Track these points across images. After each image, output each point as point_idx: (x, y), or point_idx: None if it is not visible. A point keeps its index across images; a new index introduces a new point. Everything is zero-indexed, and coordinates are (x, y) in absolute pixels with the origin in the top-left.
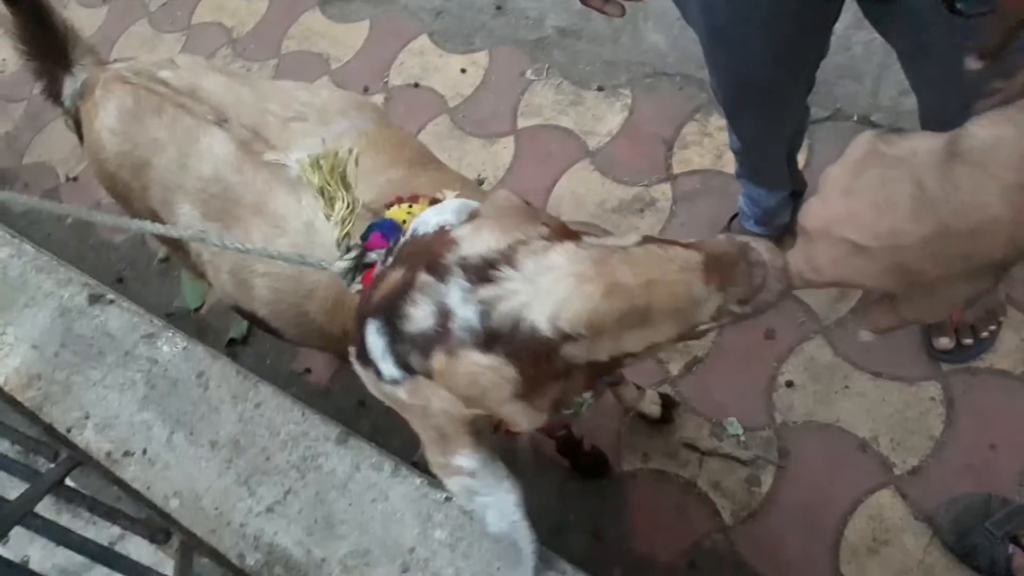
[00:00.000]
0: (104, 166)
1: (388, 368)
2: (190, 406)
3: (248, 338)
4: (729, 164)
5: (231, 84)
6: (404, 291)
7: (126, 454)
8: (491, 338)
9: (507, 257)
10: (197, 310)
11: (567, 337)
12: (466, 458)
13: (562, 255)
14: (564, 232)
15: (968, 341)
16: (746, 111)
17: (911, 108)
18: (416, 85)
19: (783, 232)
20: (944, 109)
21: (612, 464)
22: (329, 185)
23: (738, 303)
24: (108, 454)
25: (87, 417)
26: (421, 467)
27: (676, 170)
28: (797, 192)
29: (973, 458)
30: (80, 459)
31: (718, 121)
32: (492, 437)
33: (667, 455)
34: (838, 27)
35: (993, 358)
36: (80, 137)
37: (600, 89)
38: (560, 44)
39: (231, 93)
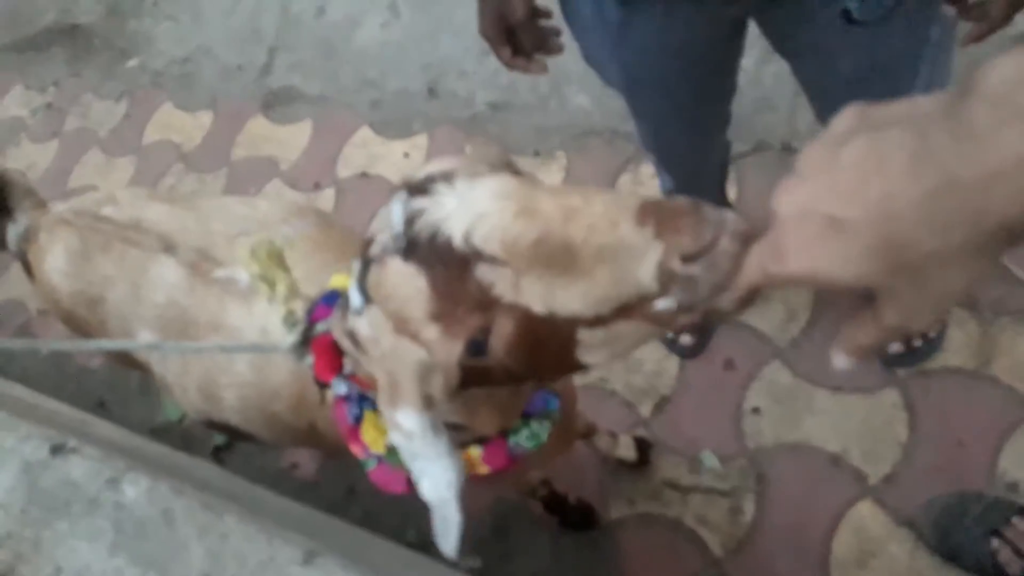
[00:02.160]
0: (59, 306)
1: (354, 296)
2: (159, 546)
3: (232, 443)
4: None
5: (173, 211)
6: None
7: None
8: (411, 246)
9: (447, 176)
10: (180, 421)
11: (480, 255)
12: (408, 417)
13: (495, 179)
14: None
15: (917, 343)
16: (674, 152)
17: None
18: (364, 175)
19: None
20: None
21: (600, 514)
22: (269, 271)
23: (683, 260)
24: None
25: (59, 571)
26: (416, 546)
27: None
28: None
29: (943, 457)
30: None
31: (647, 169)
32: (445, 411)
33: (651, 497)
34: (748, 63)
35: (945, 357)
36: (31, 277)
37: (536, 154)
38: (493, 118)
39: (174, 219)
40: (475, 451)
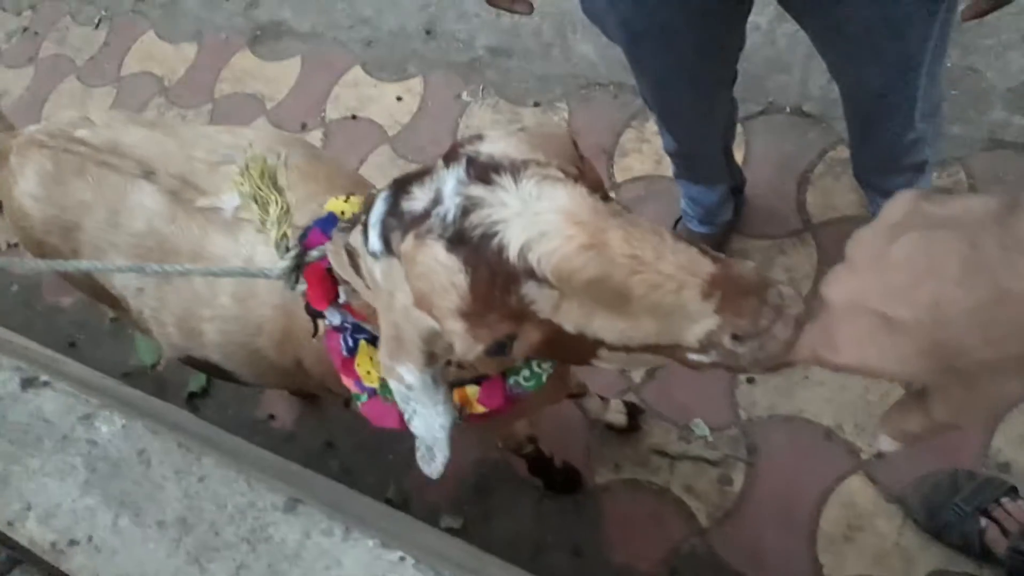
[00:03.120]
0: (30, 233)
1: (373, 239)
2: (133, 486)
3: (208, 390)
4: (669, 167)
5: (153, 135)
6: (423, 173)
7: (71, 543)
8: (459, 238)
9: (515, 168)
10: (154, 366)
11: (531, 274)
12: (409, 372)
13: (567, 192)
14: (592, 183)
15: None
16: (676, 111)
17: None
18: (354, 117)
19: (727, 229)
20: (864, 91)
21: (585, 478)
22: (261, 190)
23: (733, 338)
24: (53, 544)
25: (29, 508)
26: (395, 504)
27: (619, 178)
28: (737, 188)
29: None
30: (19, 556)
31: (654, 126)
32: (444, 367)
33: (638, 463)
34: (762, 21)
35: None
36: None
37: (536, 105)
38: (492, 64)
39: (154, 144)
40: (472, 389)
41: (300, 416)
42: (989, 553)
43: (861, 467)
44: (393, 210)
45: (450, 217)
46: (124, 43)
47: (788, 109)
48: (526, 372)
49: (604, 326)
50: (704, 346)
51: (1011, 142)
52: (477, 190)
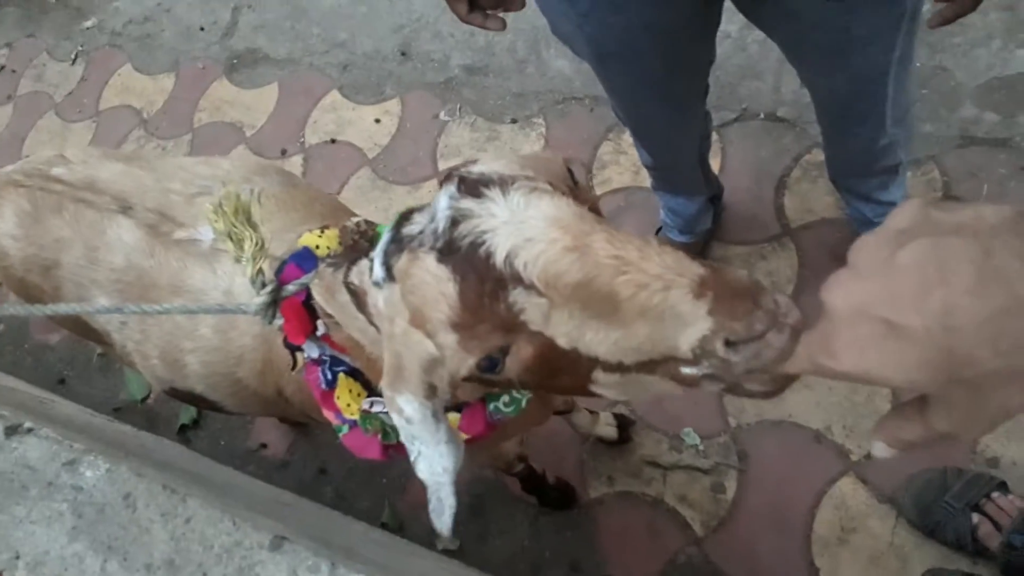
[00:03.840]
0: (10, 272)
1: (377, 268)
2: (120, 530)
3: (199, 421)
4: (646, 180)
5: (129, 170)
6: (426, 205)
7: None
8: (448, 248)
9: (504, 182)
10: (144, 400)
11: (518, 279)
12: (408, 403)
13: (553, 202)
14: (583, 200)
15: None
16: (650, 127)
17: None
18: (333, 141)
19: (707, 237)
20: (834, 99)
21: (579, 492)
22: (235, 227)
23: (727, 344)
24: None
25: (17, 557)
26: (391, 528)
27: (598, 190)
28: (715, 196)
29: None
30: None
31: (630, 138)
32: (445, 399)
33: (631, 475)
34: (732, 29)
35: None
36: None
37: (514, 121)
38: (468, 82)
39: (130, 179)
40: (453, 417)
41: (292, 444)
42: (983, 549)
43: (852, 468)
44: (395, 238)
45: (440, 229)
46: (102, 77)
47: (762, 115)
48: (505, 398)
49: (596, 339)
50: (697, 356)
51: (983, 138)
52: (467, 203)
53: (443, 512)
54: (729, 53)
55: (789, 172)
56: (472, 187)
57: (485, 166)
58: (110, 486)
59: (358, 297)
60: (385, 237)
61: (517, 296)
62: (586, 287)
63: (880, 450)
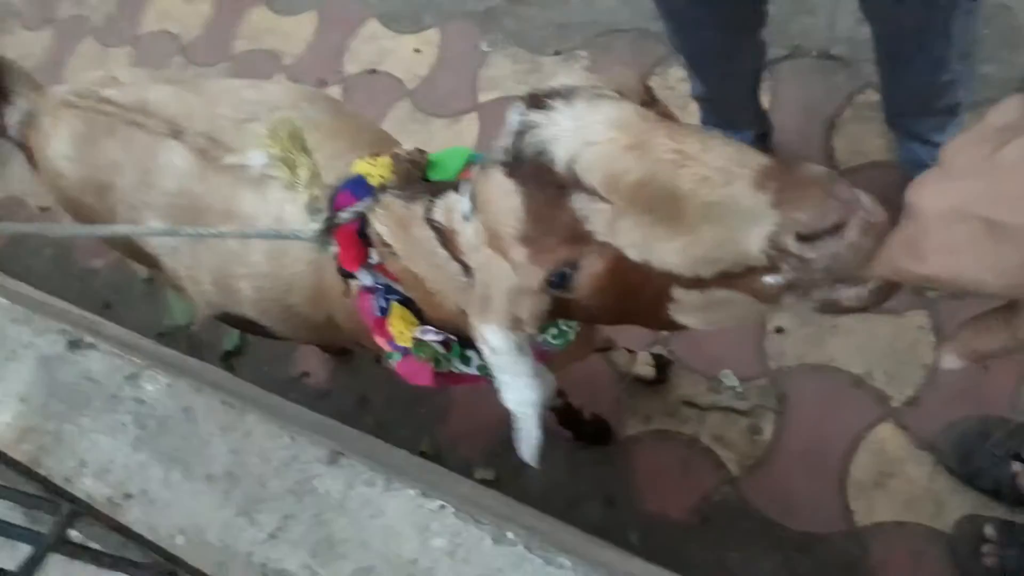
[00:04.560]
0: (66, 193)
1: (464, 201)
2: (181, 442)
3: (242, 349)
4: (694, 115)
5: (179, 93)
6: None
7: (127, 497)
8: (515, 160)
9: (569, 93)
10: (188, 326)
11: (579, 184)
12: (495, 334)
13: (615, 105)
14: (656, 109)
15: None
16: (705, 55)
17: (870, 37)
18: (373, 71)
19: None
20: (898, 29)
21: (615, 430)
22: (290, 153)
23: (801, 239)
24: (109, 499)
25: (83, 465)
26: (429, 457)
27: None
28: (764, 134)
29: (967, 382)
30: (80, 510)
31: (677, 72)
32: (532, 334)
33: (667, 415)
34: None
35: None
36: (33, 164)
37: (557, 53)
38: (510, 12)
39: (180, 102)
40: None
41: (333, 373)
42: (1021, 497)
43: (891, 415)
44: (480, 171)
45: (508, 143)
46: (140, 2)
47: (815, 53)
48: (554, 330)
49: (666, 248)
50: (772, 259)
51: None
52: (533, 115)
53: (529, 442)
54: None
55: (841, 112)
56: (538, 101)
57: (554, 82)
58: (171, 400)
59: (444, 235)
60: (474, 172)
61: (580, 203)
62: (647, 186)
63: (950, 362)
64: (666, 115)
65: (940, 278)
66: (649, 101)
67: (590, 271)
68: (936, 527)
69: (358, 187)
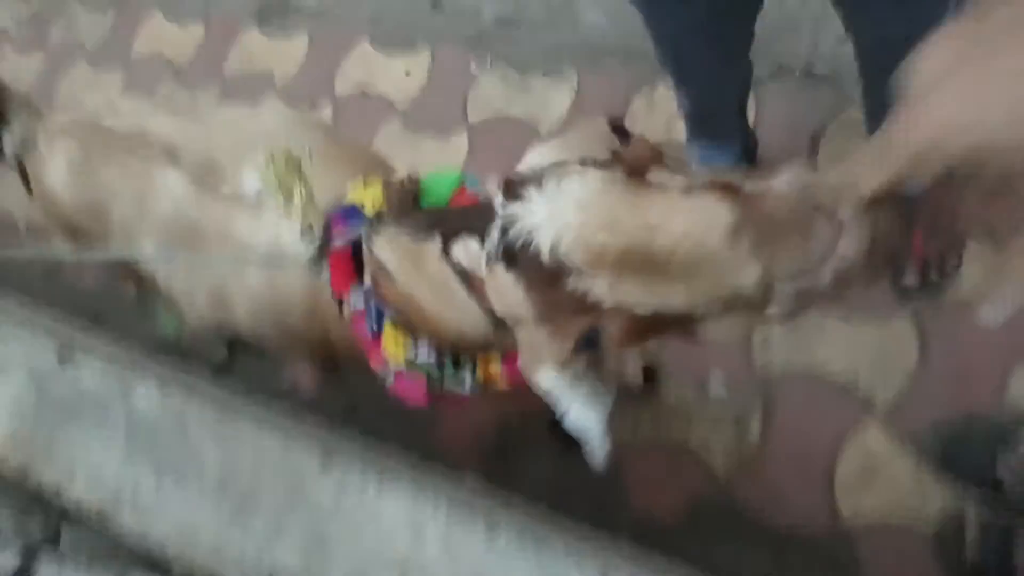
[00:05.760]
0: (62, 217)
1: (493, 249)
2: (173, 451)
3: (231, 362)
4: (680, 133)
5: (176, 122)
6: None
7: (117, 505)
8: (509, 255)
9: (538, 177)
10: (177, 339)
11: (569, 268)
12: (546, 377)
13: (580, 183)
14: (636, 160)
15: (934, 278)
16: (694, 72)
17: (852, 55)
18: (363, 93)
19: None
20: (885, 39)
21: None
22: (286, 179)
23: (790, 277)
24: (99, 509)
25: (73, 475)
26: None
27: None
28: (749, 150)
29: (951, 384)
30: (71, 518)
31: (663, 92)
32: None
33: (655, 421)
34: None
35: (959, 290)
36: (28, 188)
37: (546, 74)
38: (500, 34)
39: (179, 130)
40: (496, 368)
41: (322, 384)
42: (1006, 496)
43: (876, 417)
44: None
45: (496, 240)
46: (132, 25)
47: (798, 72)
48: None
49: (666, 294)
50: (765, 295)
51: None
52: (512, 207)
53: (596, 452)
54: (765, 7)
55: (824, 129)
56: (514, 190)
57: (530, 160)
58: (162, 409)
59: (469, 280)
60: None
61: (576, 282)
62: (629, 257)
63: (991, 313)
64: (639, 158)
65: (962, 152)
66: (622, 142)
67: (612, 331)
68: (921, 526)
69: (351, 214)
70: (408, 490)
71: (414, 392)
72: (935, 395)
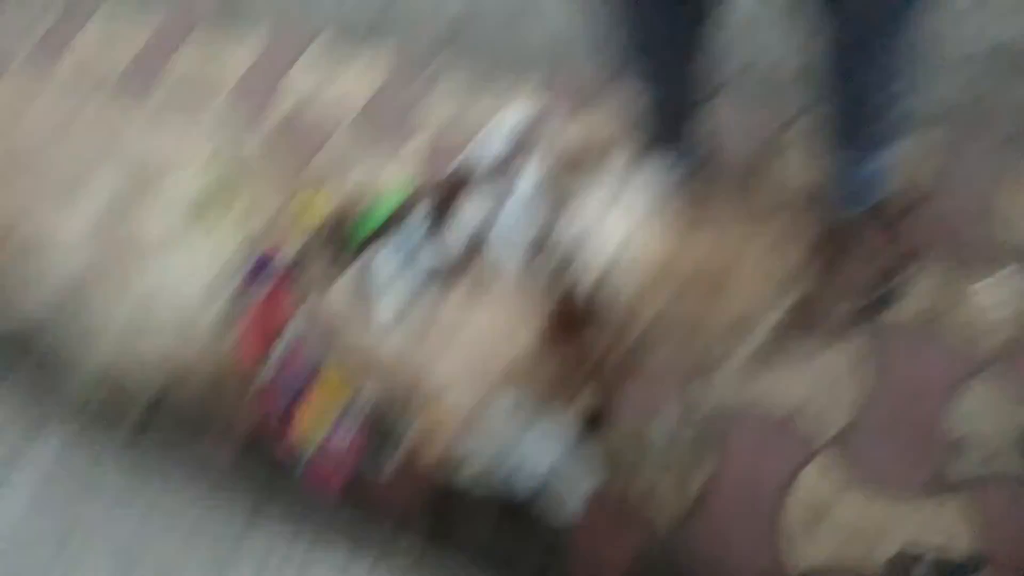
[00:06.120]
0: None
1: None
2: (79, 516)
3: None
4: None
5: (103, 123)
6: None
7: None
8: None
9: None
10: (90, 403)
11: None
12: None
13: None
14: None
15: (872, 299)
16: (656, 72)
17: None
18: (315, 98)
19: None
20: (851, 37)
21: None
22: (223, 189)
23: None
24: None
25: None
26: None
27: None
28: (707, 155)
29: (898, 412)
30: None
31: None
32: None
33: (598, 469)
34: None
35: (899, 313)
36: None
37: (506, 75)
38: (459, 35)
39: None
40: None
41: (243, 449)
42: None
43: (823, 450)
44: None
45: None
46: (69, 32)
47: (755, 78)
48: None
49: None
50: None
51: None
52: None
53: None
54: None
55: (783, 134)
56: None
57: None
58: (68, 472)
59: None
60: None
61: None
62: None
63: None
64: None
65: None
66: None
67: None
68: (867, 567)
69: (261, 266)
70: (342, 550)
71: (331, 478)
72: (882, 424)
